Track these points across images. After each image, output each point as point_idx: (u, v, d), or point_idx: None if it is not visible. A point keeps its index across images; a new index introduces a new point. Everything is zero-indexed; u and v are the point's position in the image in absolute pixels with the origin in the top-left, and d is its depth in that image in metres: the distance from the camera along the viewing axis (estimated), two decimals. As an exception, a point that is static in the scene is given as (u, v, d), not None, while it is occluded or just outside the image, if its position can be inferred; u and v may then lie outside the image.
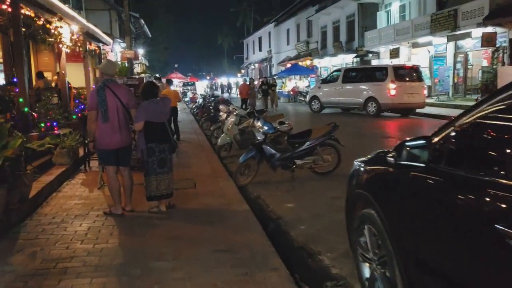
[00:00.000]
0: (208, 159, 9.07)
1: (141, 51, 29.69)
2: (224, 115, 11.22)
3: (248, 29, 68.66)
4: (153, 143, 5.15)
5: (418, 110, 17.32)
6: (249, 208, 5.44)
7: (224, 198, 5.93)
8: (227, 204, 5.64)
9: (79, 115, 9.22)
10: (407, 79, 17.24)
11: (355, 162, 3.52)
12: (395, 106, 16.90)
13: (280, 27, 49.71)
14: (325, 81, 21.31)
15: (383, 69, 17.92)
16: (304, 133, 7.19)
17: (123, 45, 20.88)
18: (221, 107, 11.90)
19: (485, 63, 22.24)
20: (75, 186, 6.64)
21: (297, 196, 6.31)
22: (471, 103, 18.72)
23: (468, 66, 22.18)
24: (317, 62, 37.97)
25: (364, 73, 19.13)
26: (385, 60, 27.37)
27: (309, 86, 33.93)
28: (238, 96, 22.70)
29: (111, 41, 15.56)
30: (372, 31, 28.83)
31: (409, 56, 26.02)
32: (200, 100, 20.19)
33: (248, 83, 22.75)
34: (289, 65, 39.25)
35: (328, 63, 37.11)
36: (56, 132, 7.82)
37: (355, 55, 31.52)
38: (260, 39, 57.63)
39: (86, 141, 7.41)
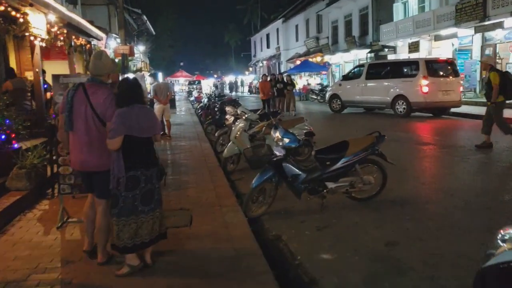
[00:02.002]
0: (211, 175, 7.32)
1: (141, 47, 27.96)
2: (231, 119, 9.47)
3: (255, 26, 67.04)
4: (138, 170, 3.49)
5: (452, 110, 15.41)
6: (266, 264, 3.68)
7: (230, 242, 4.19)
8: (234, 255, 3.88)
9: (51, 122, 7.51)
10: (442, 74, 15.29)
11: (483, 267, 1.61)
12: (428, 105, 14.94)
13: (289, 23, 47.96)
14: (346, 77, 19.16)
15: (413, 63, 15.87)
16: (338, 147, 5.40)
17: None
18: (227, 108, 10.16)
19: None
20: (30, 223, 4.90)
21: (334, 238, 4.51)
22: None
23: (497, 60, 20.20)
24: (328, 58, 36.08)
25: (392, 68, 17.03)
26: (402, 55, 25.48)
27: (321, 84, 32.17)
28: (260, 96, 18.57)
29: (103, 35, 13.87)
30: (389, 24, 26.92)
31: (429, 50, 24.09)
32: (205, 100, 18.38)
33: (269, 79, 19.13)
34: (298, 62, 37.40)
35: (340, 59, 35.24)
36: (14, 146, 6.09)
37: (369, 50, 29.65)
38: (268, 36, 55.99)
39: (55, 157, 5.69)
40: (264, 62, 55.46)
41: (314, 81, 32.64)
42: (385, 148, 5.30)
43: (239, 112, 8.31)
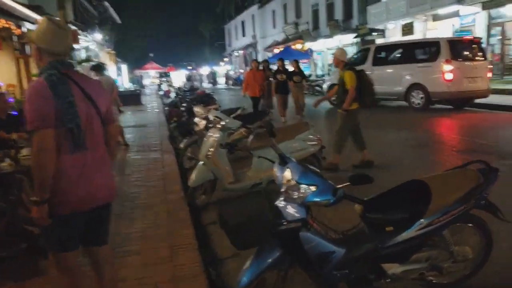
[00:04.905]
0: (171, 219, 4.63)
1: (98, 36, 24.68)
2: (202, 123, 6.73)
3: (229, 13, 63.87)
4: None
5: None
6: None
7: None
8: None
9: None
10: (468, 57, 12.58)
11: None
12: (452, 95, 12.26)
13: (265, 9, 45.22)
14: (349, 63, 15.94)
15: (433, 45, 13.00)
16: (405, 193, 2.77)
17: (74, 28, 16.05)
18: (196, 109, 7.39)
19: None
20: None
21: None
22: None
23: (506, 41, 17.95)
24: (309, 45, 33.51)
25: (405, 51, 14.02)
26: (393, 39, 22.96)
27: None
28: (243, 93, 12.48)
29: (37, 17, 10.85)
30: (377, 5, 24.41)
31: (424, 32, 21.70)
32: (173, 95, 15.45)
33: (262, 68, 13.18)
34: (277, 50, 34.66)
35: (323, 46, 32.75)
36: None
37: (355, 34, 27.17)
38: (243, 23, 53.18)
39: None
40: (241, 52, 52.62)
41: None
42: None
43: (211, 117, 5.59)
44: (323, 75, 29.14)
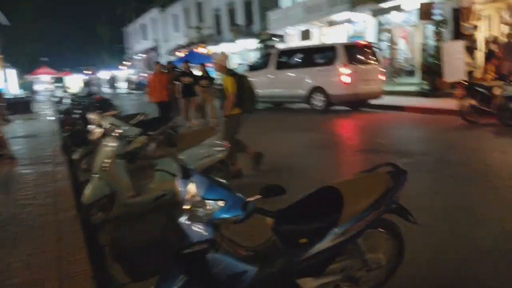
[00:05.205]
0: (61, 243, 4.06)
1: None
2: (97, 131, 6.11)
3: (130, 16, 61.56)
4: None
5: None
6: None
7: None
8: None
9: None
10: (362, 60, 13.23)
11: None
12: (350, 97, 12.81)
13: (166, 13, 44.36)
14: (253, 68, 16.20)
15: (330, 49, 13.50)
16: (318, 203, 2.61)
17: None
18: (90, 116, 6.73)
19: (402, 42, 19.84)
20: None
21: None
22: (404, 88, 15.95)
23: (394, 45, 19.38)
24: (213, 49, 33.39)
25: (306, 55, 14.45)
26: (293, 44, 23.65)
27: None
28: (149, 98, 11.79)
29: None
30: (277, 11, 25.08)
31: (321, 37, 22.65)
32: (66, 101, 14.29)
33: (166, 70, 12.29)
34: (181, 54, 34.04)
35: (226, 50, 32.78)
36: None
37: (258, 40, 27.67)
38: (144, 26, 51.68)
39: None
40: (143, 55, 50.94)
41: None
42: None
43: (105, 124, 5.07)
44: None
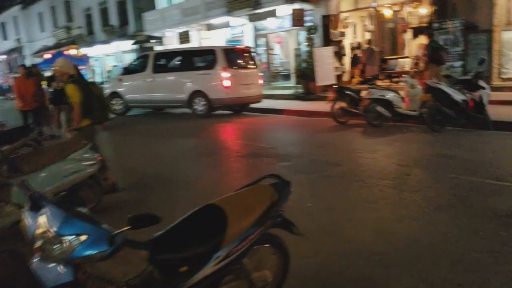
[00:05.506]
0: None
1: None
2: None
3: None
4: None
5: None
6: None
7: None
8: None
9: None
10: (241, 65, 13.22)
11: None
12: (231, 101, 12.73)
13: (30, 11, 40.42)
14: (128, 70, 15.15)
15: (210, 53, 13.26)
16: (199, 224, 2.40)
17: None
18: None
19: (277, 47, 20.75)
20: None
21: None
22: (281, 92, 16.65)
23: (270, 50, 20.08)
24: (85, 50, 31.31)
25: (185, 58, 14.01)
26: (172, 46, 23.19)
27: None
28: (18, 106, 10.26)
29: None
30: (152, 12, 24.33)
31: (199, 41, 22.56)
32: None
33: (32, 74, 10.46)
34: (48, 56, 31.26)
35: (100, 52, 31.06)
36: None
37: (133, 41, 26.63)
38: (3, 25, 46.40)
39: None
40: (5, 57, 45.80)
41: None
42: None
43: None
44: (102, 82, 27.58)
